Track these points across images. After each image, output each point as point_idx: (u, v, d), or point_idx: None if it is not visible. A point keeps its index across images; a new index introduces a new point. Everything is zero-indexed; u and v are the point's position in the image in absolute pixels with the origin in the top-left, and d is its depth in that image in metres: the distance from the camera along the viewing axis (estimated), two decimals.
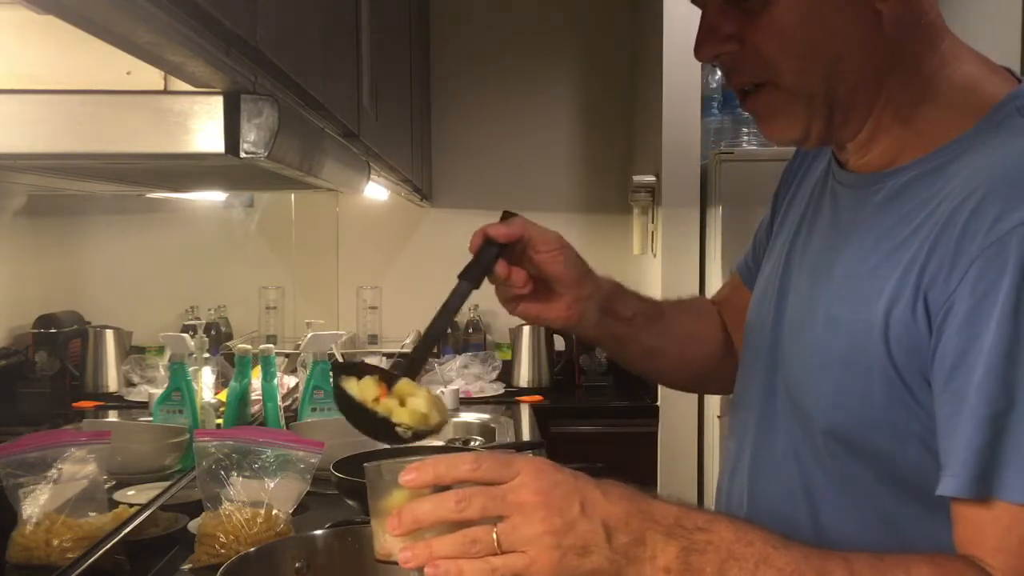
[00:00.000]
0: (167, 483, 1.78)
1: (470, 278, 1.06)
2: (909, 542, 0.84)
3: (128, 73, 0.78)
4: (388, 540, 0.81)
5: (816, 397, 0.91)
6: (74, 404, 2.00)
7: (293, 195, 2.95)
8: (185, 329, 2.09)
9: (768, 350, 1.01)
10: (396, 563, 0.79)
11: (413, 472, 0.79)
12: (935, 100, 0.89)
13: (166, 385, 1.94)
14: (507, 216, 1.11)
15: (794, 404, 0.95)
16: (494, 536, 0.75)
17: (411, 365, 1.04)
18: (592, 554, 0.75)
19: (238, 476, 1.50)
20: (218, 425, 2.07)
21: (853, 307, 0.87)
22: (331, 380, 0.92)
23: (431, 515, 0.77)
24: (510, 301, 1.10)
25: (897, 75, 0.88)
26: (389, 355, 3.29)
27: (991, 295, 0.76)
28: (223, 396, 2.19)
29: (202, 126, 0.79)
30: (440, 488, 0.79)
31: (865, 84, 0.89)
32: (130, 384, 2.11)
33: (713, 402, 2.79)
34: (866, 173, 0.93)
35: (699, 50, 0.92)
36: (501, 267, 1.06)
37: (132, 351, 2.14)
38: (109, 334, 2.08)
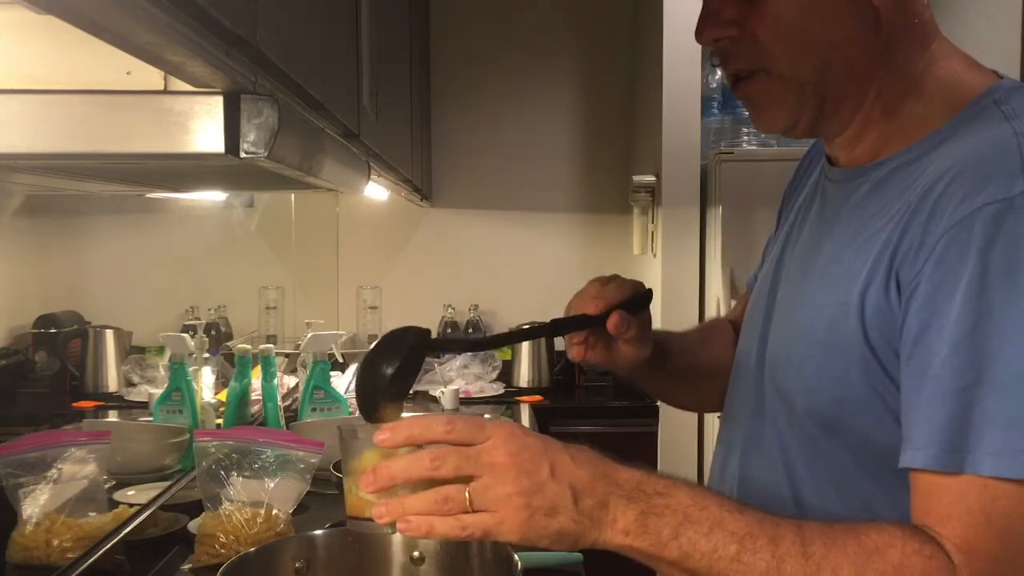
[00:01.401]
0: (167, 483, 1.78)
1: (555, 332, 1.09)
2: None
3: (128, 73, 0.78)
4: (361, 497, 0.83)
5: (796, 381, 0.93)
6: (74, 404, 2.00)
7: (293, 195, 2.95)
8: (185, 329, 2.09)
9: (758, 343, 1.03)
10: (367, 519, 0.82)
11: (387, 432, 0.81)
12: (919, 96, 0.91)
13: (166, 385, 1.94)
14: (646, 295, 1.11)
15: (779, 391, 0.97)
16: (466, 495, 0.78)
17: (441, 344, 1.08)
18: (559, 515, 0.79)
19: (238, 476, 1.50)
20: (218, 425, 2.07)
21: (832, 291, 0.90)
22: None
23: (405, 472, 0.79)
24: (577, 357, 1.13)
25: (887, 71, 0.91)
26: None
27: (956, 271, 0.77)
28: (223, 396, 2.19)
29: (202, 126, 0.79)
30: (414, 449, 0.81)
31: (856, 77, 0.91)
32: (130, 384, 2.10)
33: None
34: (852, 167, 0.96)
35: (700, 33, 0.94)
36: (576, 339, 1.09)
37: (132, 351, 2.14)
38: (109, 334, 2.08)
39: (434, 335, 3.82)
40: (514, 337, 1.20)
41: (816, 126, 0.94)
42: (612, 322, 1.05)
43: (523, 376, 3.26)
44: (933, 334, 0.78)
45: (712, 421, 2.82)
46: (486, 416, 0.92)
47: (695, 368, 1.24)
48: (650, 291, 1.12)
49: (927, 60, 0.91)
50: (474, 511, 0.78)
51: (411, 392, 0.98)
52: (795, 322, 0.96)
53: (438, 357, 3.20)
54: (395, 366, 0.91)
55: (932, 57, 0.92)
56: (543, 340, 3.24)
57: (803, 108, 0.92)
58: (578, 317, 1.07)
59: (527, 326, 1.32)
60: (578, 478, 0.80)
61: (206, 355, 2.05)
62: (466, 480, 0.79)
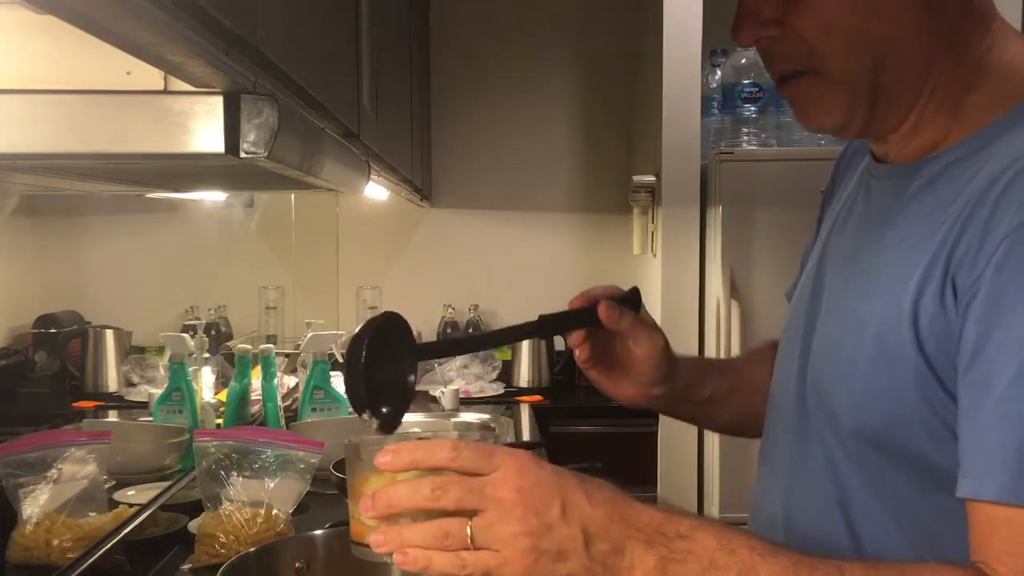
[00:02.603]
0: (167, 483, 1.78)
1: (543, 330, 1.06)
2: (952, 556, 0.77)
3: (128, 73, 0.78)
4: (362, 522, 0.79)
5: (845, 397, 0.86)
6: (74, 404, 2.00)
7: (293, 195, 2.95)
8: (185, 329, 2.09)
9: (800, 355, 0.95)
10: (367, 545, 0.77)
11: (389, 455, 0.76)
12: (981, 84, 0.84)
13: (166, 385, 1.94)
14: (632, 294, 1.08)
15: (825, 408, 0.89)
16: (468, 530, 0.73)
17: (427, 351, 1.02)
18: (568, 560, 0.73)
19: (238, 476, 1.50)
20: (218, 425, 2.07)
21: (881, 299, 0.82)
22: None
23: (405, 501, 0.74)
24: (583, 361, 1.08)
25: (945, 60, 0.83)
26: None
27: (1020, 276, 0.70)
28: (223, 396, 2.19)
29: (202, 126, 0.79)
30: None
31: (912, 71, 0.83)
32: (130, 384, 2.10)
33: None
34: (901, 164, 0.89)
35: (738, 34, 0.87)
36: (576, 337, 1.05)
37: (132, 351, 2.14)
38: (109, 334, 2.08)
39: (434, 335, 3.81)
40: (501, 336, 1.14)
41: (869, 125, 0.87)
42: (602, 310, 1.02)
43: (523, 376, 3.26)
44: (994, 347, 0.71)
45: None
46: (490, 424, 0.87)
47: (737, 388, 1.16)
48: (634, 289, 1.09)
49: (987, 44, 0.84)
50: (476, 548, 0.73)
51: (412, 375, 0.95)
52: (839, 333, 0.88)
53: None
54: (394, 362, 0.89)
55: (993, 41, 0.84)
56: (543, 341, 3.24)
57: (855, 108, 0.85)
58: (565, 312, 1.04)
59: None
60: (592, 519, 0.74)
61: (206, 355, 2.05)
62: (470, 513, 0.73)
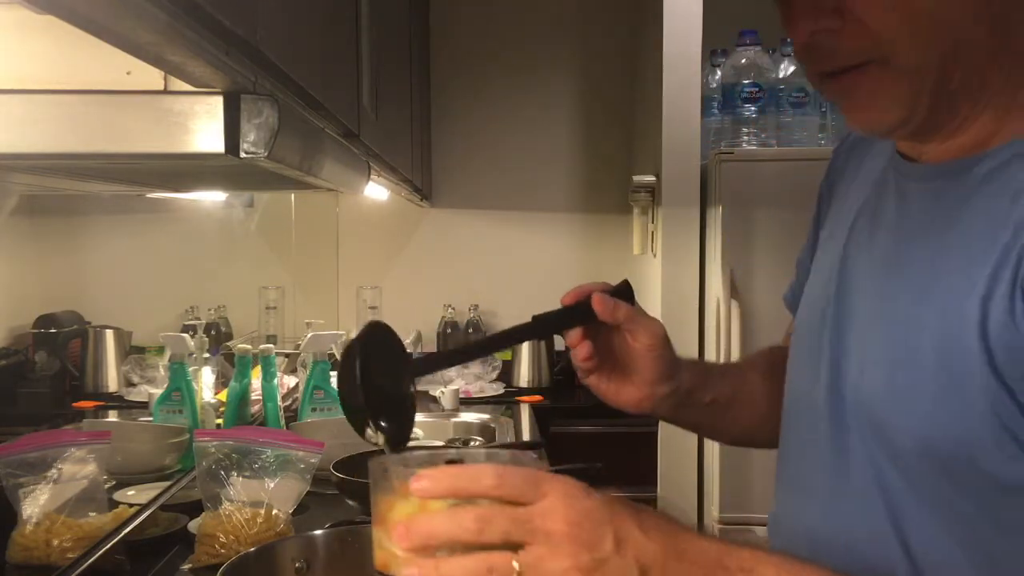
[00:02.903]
0: (167, 483, 1.78)
1: (537, 330, 1.01)
2: None
3: (128, 73, 0.78)
4: (390, 551, 0.71)
5: (901, 415, 0.79)
6: (74, 404, 2.00)
7: (293, 195, 2.94)
8: (185, 329, 2.09)
9: (828, 372, 0.89)
10: None
11: (426, 481, 0.69)
12: None
13: (166, 385, 1.94)
14: (624, 287, 1.03)
15: (872, 423, 0.83)
16: (515, 566, 0.67)
17: (426, 365, 0.98)
18: None
19: (238, 476, 1.50)
20: (218, 425, 2.07)
21: (938, 308, 0.77)
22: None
23: (446, 533, 0.68)
24: (582, 367, 1.02)
25: (1004, 54, 0.78)
26: None
27: None
28: (223, 396, 2.19)
29: (202, 126, 0.79)
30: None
31: (977, 63, 0.78)
32: (130, 384, 2.10)
33: None
34: (940, 163, 0.83)
35: (794, 26, 0.79)
36: (573, 336, 1.00)
37: (132, 351, 2.14)
38: (109, 334, 2.08)
39: (434, 335, 3.80)
40: (496, 342, 1.08)
41: (926, 122, 0.80)
42: (596, 302, 0.97)
43: (523, 376, 3.26)
44: None
45: None
46: (532, 456, 0.80)
47: (739, 393, 1.10)
48: (625, 281, 1.03)
49: None
50: None
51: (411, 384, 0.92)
52: (889, 346, 0.81)
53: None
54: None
55: None
56: (543, 341, 3.24)
57: (919, 103, 0.78)
58: (559, 311, 0.99)
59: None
60: (647, 553, 0.69)
61: (206, 355, 2.05)
62: (515, 547, 0.68)
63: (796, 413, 0.96)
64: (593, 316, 0.98)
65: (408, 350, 0.92)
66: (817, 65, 0.81)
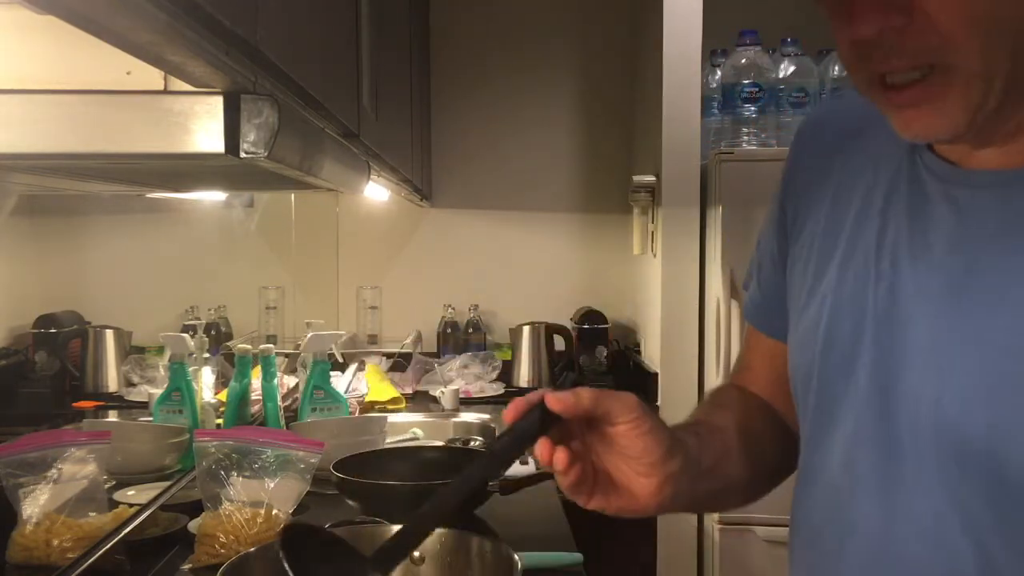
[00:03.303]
0: (167, 483, 1.78)
1: (494, 465, 0.81)
2: None
3: (128, 73, 0.78)
4: None
5: (1010, 441, 0.73)
6: (74, 404, 2.00)
7: (293, 195, 2.95)
8: (185, 329, 2.09)
9: (878, 395, 0.81)
10: None
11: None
12: None
13: (166, 385, 1.94)
14: (565, 376, 0.88)
15: (956, 451, 0.76)
16: None
17: (390, 554, 0.79)
18: None
19: (238, 476, 1.51)
20: (218, 425, 2.07)
21: None
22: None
23: None
24: (575, 490, 0.84)
25: None
26: (389, 355, 3.29)
27: None
28: (223, 396, 2.19)
29: (202, 126, 0.79)
30: None
31: None
32: (130, 384, 2.11)
33: None
34: (1004, 169, 0.77)
35: (859, 23, 0.73)
36: (542, 448, 0.81)
37: (132, 351, 2.14)
38: (109, 334, 2.08)
39: (434, 335, 3.78)
40: (455, 494, 0.80)
41: (984, 128, 0.75)
42: (551, 401, 0.81)
43: (523, 376, 3.26)
44: None
45: None
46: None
47: (729, 447, 0.97)
48: (566, 375, 0.88)
49: None
50: None
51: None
52: (983, 373, 0.74)
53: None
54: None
55: None
56: (542, 339, 3.24)
57: (983, 107, 0.73)
58: (512, 429, 0.81)
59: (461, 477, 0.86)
60: None
61: (206, 355, 2.05)
62: None
63: (830, 459, 0.87)
64: (550, 421, 0.81)
65: (347, 543, 0.80)
66: (878, 65, 0.75)
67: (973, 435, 0.74)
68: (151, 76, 0.78)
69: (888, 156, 0.87)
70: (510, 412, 0.81)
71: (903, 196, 0.83)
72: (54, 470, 1.38)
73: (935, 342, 0.78)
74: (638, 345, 3.29)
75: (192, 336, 1.98)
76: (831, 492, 0.86)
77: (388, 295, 3.44)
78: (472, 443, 2.32)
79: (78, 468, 1.41)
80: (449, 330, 3.39)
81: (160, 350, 2.09)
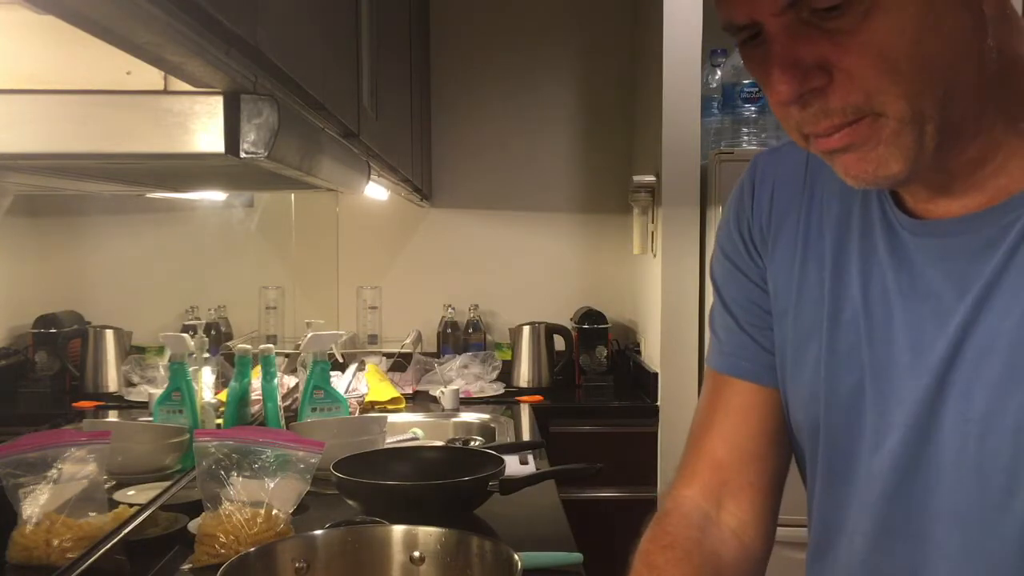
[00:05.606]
0: (167, 483, 1.78)
1: None
2: None
3: (128, 73, 0.78)
4: None
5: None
6: (74, 404, 1.99)
7: (293, 195, 2.95)
8: (185, 329, 2.09)
9: (916, 431, 0.80)
10: None
11: None
12: None
13: (166, 385, 1.94)
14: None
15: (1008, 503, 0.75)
16: None
17: None
18: None
19: (238, 476, 1.51)
20: (218, 425, 2.07)
21: None
22: None
23: None
24: None
25: (1002, 81, 0.74)
26: (389, 355, 3.29)
27: None
28: (223, 396, 2.19)
29: (202, 126, 0.79)
30: None
31: (977, 99, 0.73)
32: (130, 384, 2.10)
33: None
34: (965, 215, 0.77)
35: (778, 91, 0.72)
36: None
37: (132, 351, 2.14)
38: (109, 334, 2.08)
39: (434, 335, 3.79)
40: None
41: (933, 169, 0.74)
42: None
43: (523, 376, 3.26)
44: None
45: None
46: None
47: None
48: None
49: None
50: None
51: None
52: (1016, 415, 0.74)
53: None
54: None
55: None
56: (542, 339, 3.24)
57: (922, 152, 0.71)
58: None
59: None
60: None
61: (206, 355, 2.05)
62: None
63: (847, 527, 0.86)
64: None
65: None
66: (809, 127, 0.74)
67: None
68: (151, 76, 0.78)
69: (857, 207, 0.87)
70: None
71: (880, 251, 0.84)
72: (54, 470, 1.38)
73: (1011, 408, 0.76)
74: (638, 345, 3.29)
75: (192, 336, 1.98)
76: (847, 558, 0.86)
77: (388, 295, 3.44)
78: (472, 443, 2.32)
79: (78, 468, 1.41)
80: (449, 330, 3.39)
81: (160, 350, 2.09)
